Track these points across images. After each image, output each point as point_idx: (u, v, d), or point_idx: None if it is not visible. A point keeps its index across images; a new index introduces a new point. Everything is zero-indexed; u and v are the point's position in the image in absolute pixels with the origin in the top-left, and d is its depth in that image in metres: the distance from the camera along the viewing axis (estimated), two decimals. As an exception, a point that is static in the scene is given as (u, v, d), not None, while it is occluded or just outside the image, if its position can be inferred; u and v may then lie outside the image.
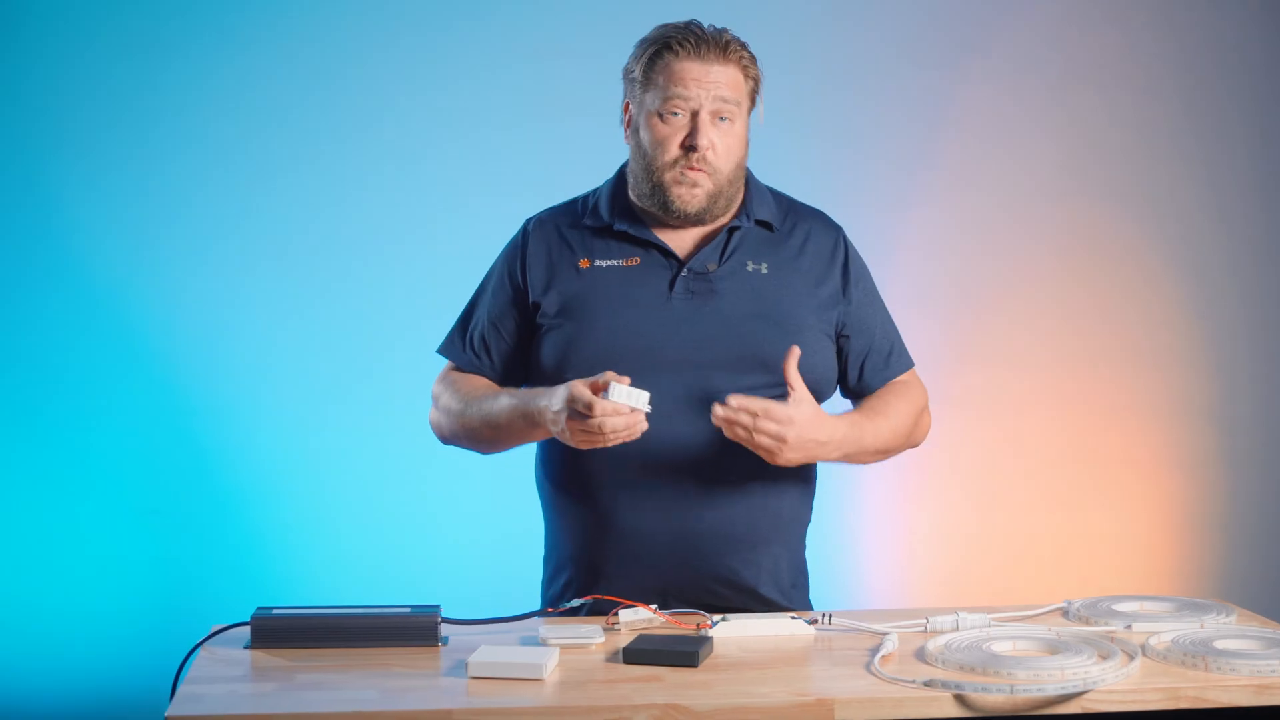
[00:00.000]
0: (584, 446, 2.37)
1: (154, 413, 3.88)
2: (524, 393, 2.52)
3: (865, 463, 2.61)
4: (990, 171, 4.17)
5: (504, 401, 2.52)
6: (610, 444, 2.34)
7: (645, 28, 2.60)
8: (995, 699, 2.01)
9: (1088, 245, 4.22)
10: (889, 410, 2.61)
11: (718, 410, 2.36)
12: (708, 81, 2.50)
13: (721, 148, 2.51)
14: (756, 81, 2.57)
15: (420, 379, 3.50)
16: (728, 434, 2.38)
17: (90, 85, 3.86)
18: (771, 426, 2.37)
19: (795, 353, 2.43)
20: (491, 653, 2.13)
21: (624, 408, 2.32)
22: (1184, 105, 4.23)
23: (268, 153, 3.92)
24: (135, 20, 3.86)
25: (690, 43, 2.50)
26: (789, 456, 2.40)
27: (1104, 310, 4.23)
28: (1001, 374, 4.16)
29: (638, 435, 2.35)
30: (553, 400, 2.39)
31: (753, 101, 2.58)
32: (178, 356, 3.89)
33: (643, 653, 2.16)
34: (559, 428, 2.38)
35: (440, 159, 3.97)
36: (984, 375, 4.15)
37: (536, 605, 2.65)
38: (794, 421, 2.38)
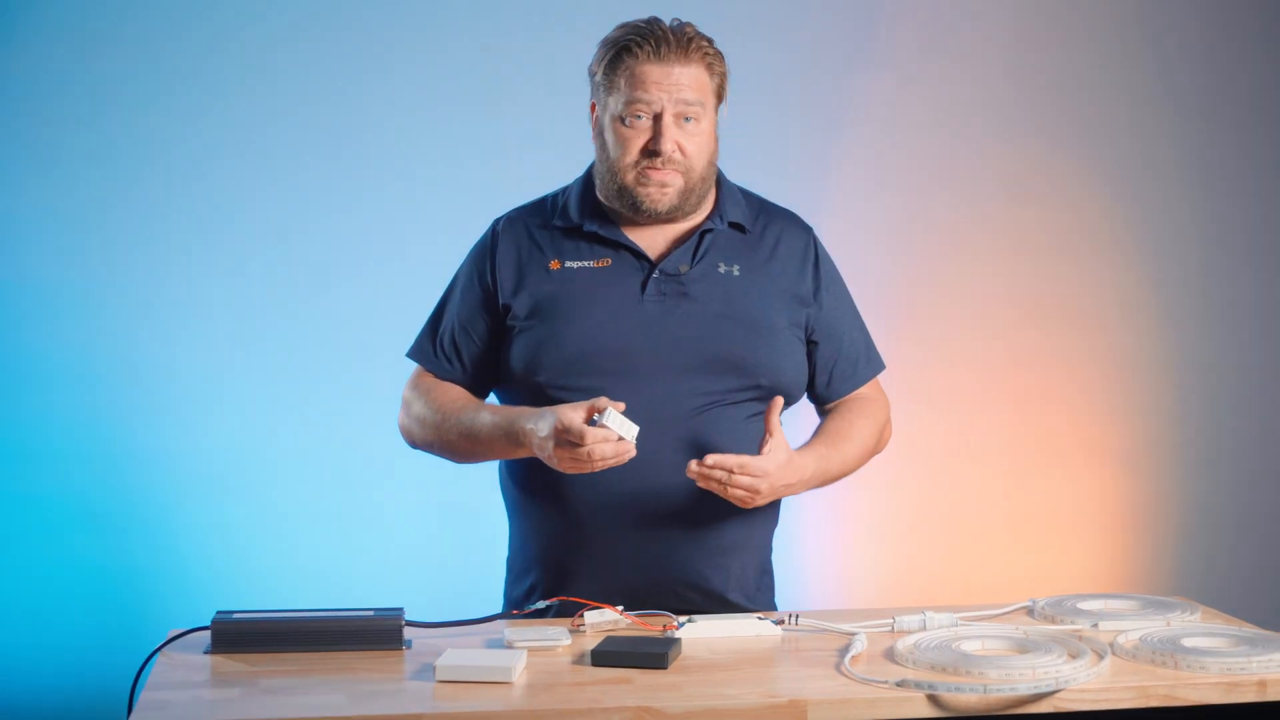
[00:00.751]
0: (570, 471, 2.35)
1: (104, 414, 3.82)
2: (507, 411, 2.48)
3: (854, 468, 2.64)
4: (944, 169, 4.17)
5: (485, 418, 2.49)
6: (596, 470, 2.32)
7: (618, 23, 2.57)
8: (968, 699, 2.00)
9: (1042, 242, 4.23)
10: (853, 433, 2.61)
11: (693, 467, 2.36)
12: (669, 84, 2.47)
13: (690, 148, 2.49)
14: (723, 77, 2.53)
15: (377, 381, 3.50)
16: (701, 485, 2.38)
17: (39, 82, 3.80)
18: (746, 480, 2.37)
19: (778, 403, 2.45)
20: (459, 655, 2.10)
21: (614, 435, 2.30)
22: (1132, 102, 4.25)
23: (233, 157, 3.87)
24: (85, 19, 3.81)
25: (650, 44, 2.46)
26: (760, 503, 2.42)
27: (1058, 307, 4.24)
28: (954, 372, 4.16)
29: (624, 462, 2.33)
30: (539, 425, 2.36)
31: (720, 97, 2.55)
32: (131, 357, 3.83)
33: (611, 654, 2.14)
34: (546, 453, 2.36)
35: (404, 159, 3.93)
36: (938, 373, 4.15)
37: (498, 608, 2.63)
38: (768, 474, 2.39)
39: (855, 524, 4.14)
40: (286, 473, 3.87)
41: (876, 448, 2.68)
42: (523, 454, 2.45)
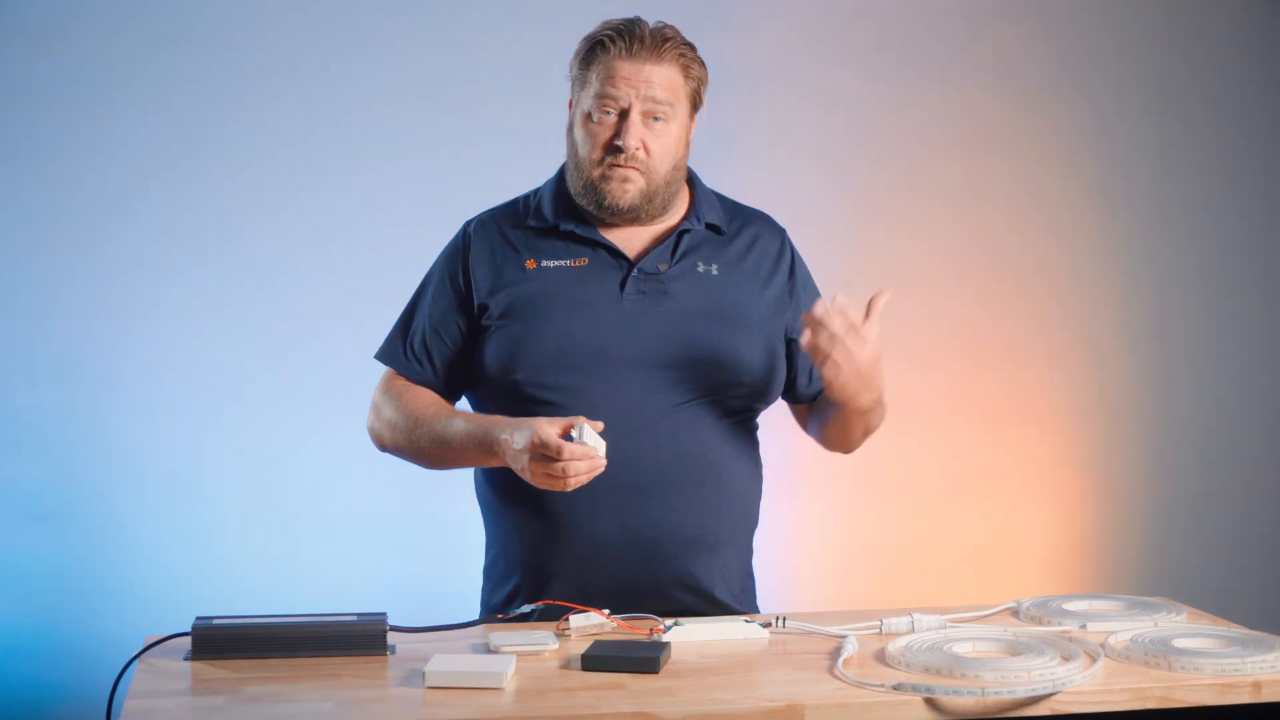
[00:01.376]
0: (542, 486, 2.31)
1: (62, 413, 3.75)
2: (481, 420, 2.43)
3: (861, 430, 2.61)
4: (913, 171, 4.17)
5: (458, 426, 2.45)
6: (569, 488, 2.29)
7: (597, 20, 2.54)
8: (966, 702, 1.99)
9: (1011, 241, 4.24)
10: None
11: (816, 309, 2.34)
12: (638, 81, 2.45)
13: (655, 148, 2.47)
14: (700, 82, 2.51)
15: (347, 383, 3.45)
16: (810, 340, 2.35)
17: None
18: (855, 339, 2.35)
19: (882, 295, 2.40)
20: (447, 661, 2.07)
21: (591, 451, 2.27)
22: (1103, 94, 4.27)
23: (195, 154, 3.82)
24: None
25: (624, 40, 2.45)
26: (864, 356, 2.37)
27: (1027, 310, 4.25)
28: (916, 375, 4.15)
29: (593, 478, 2.30)
30: (515, 437, 2.32)
31: (694, 103, 2.52)
32: (99, 354, 3.77)
33: (602, 659, 2.11)
34: (519, 465, 2.32)
35: (372, 157, 3.88)
36: (900, 375, 4.13)
37: (473, 613, 2.59)
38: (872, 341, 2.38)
39: (812, 527, 4.12)
40: (253, 476, 3.82)
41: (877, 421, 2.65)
42: (495, 464, 2.41)
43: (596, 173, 2.47)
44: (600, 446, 2.29)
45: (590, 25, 2.54)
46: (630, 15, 2.51)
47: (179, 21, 3.80)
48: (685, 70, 2.49)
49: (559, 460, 2.25)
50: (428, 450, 2.49)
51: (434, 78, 3.90)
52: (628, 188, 2.47)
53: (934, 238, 4.19)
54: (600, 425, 2.30)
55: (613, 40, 2.45)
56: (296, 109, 3.86)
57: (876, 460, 3.88)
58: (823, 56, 4.11)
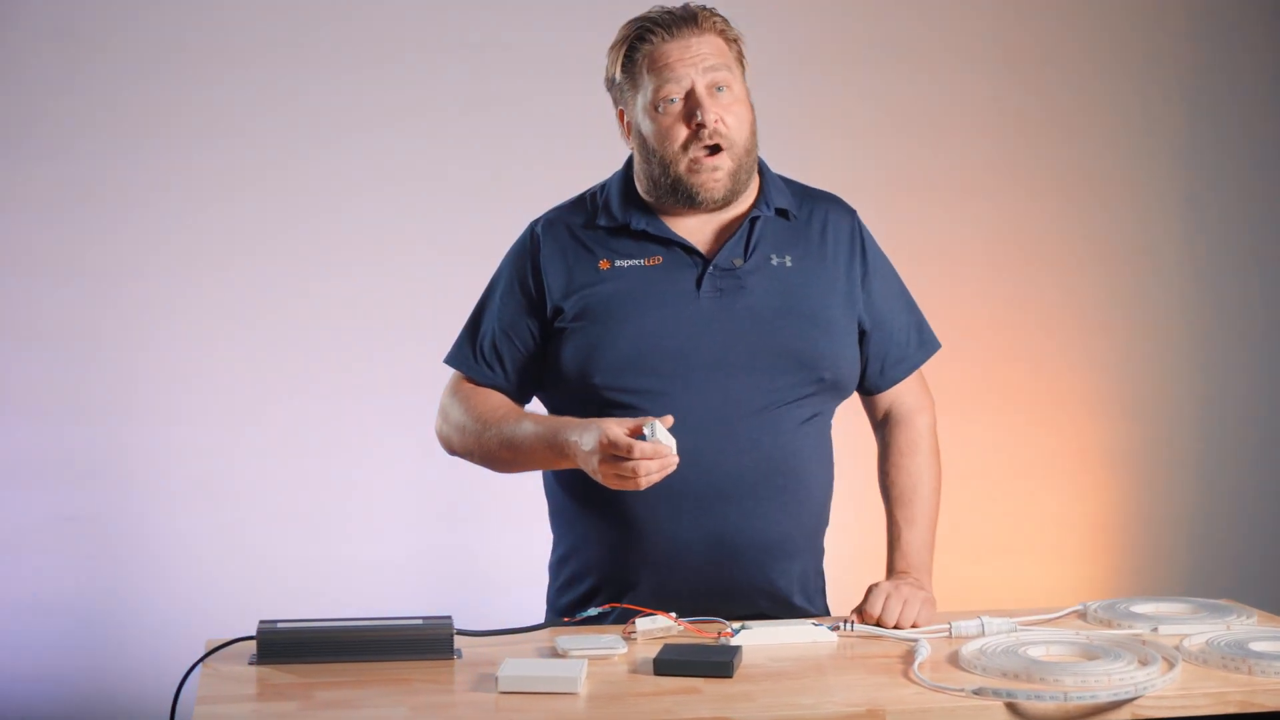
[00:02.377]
0: (614, 487, 2.26)
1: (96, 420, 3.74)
2: (550, 422, 2.39)
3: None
4: (921, 169, 4.14)
5: (527, 428, 2.40)
6: (641, 487, 2.24)
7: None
8: (1048, 707, 1.96)
9: (1029, 247, 4.22)
10: (919, 496, 2.56)
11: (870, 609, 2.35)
12: (691, 57, 2.39)
13: (731, 119, 2.40)
14: (739, 42, 2.47)
15: (398, 387, 3.43)
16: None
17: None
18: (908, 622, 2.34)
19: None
20: (520, 666, 2.04)
21: (663, 449, 2.22)
22: (1110, 102, 4.24)
23: (216, 155, 3.81)
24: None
25: (660, 26, 2.40)
26: (925, 612, 2.37)
27: (1059, 304, 4.23)
28: (939, 376, 4.12)
29: (666, 475, 2.25)
30: (584, 438, 2.28)
31: (742, 65, 2.47)
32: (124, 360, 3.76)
33: (675, 664, 2.08)
34: (590, 467, 2.28)
35: (390, 163, 3.88)
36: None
37: (518, 611, 2.56)
38: (907, 603, 2.36)
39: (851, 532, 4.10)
40: (265, 477, 3.80)
41: (939, 469, 2.62)
42: (565, 465, 2.37)
43: (684, 166, 2.41)
44: (671, 444, 2.24)
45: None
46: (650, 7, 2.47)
47: (210, 23, 3.79)
48: (724, 34, 2.44)
49: (629, 460, 2.22)
50: (497, 453, 2.45)
51: (456, 81, 3.88)
52: (718, 176, 2.41)
53: (954, 242, 4.16)
54: (670, 421, 2.26)
55: (650, 31, 2.41)
56: (310, 121, 3.84)
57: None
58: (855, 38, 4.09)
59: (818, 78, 4.07)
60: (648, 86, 2.41)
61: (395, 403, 3.73)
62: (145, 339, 3.77)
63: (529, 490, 3.36)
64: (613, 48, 2.47)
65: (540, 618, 2.45)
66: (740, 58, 2.47)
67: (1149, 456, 4.29)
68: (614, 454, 2.23)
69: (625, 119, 2.49)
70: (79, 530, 3.73)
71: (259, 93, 3.81)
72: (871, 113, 4.10)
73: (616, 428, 2.24)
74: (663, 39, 2.40)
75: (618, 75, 2.46)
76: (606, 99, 2.54)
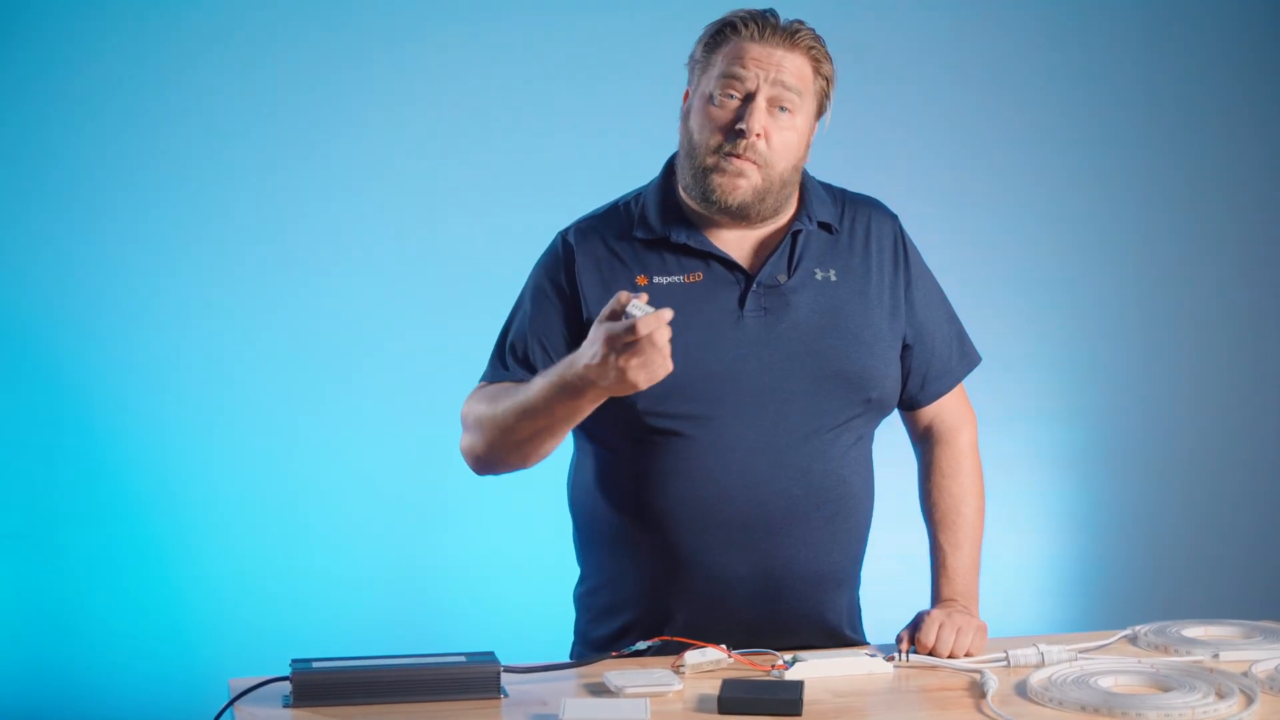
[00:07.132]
0: (643, 378, 2.05)
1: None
2: (551, 370, 2.19)
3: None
4: (918, 172, 4.08)
5: (536, 384, 2.20)
6: (669, 362, 2.05)
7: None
8: (1139, 744, 1.89)
9: (1014, 247, 4.17)
10: (963, 518, 2.48)
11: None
12: (768, 63, 2.27)
13: (777, 140, 2.28)
14: (828, 81, 2.34)
15: (373, 401, 3.30)
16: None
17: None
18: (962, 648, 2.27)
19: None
20: (581, 708, 1.93)
21: (660, 314, 2.02)
22: (1112, 101, 4.21)
23: (221, 157, 3.68)
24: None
25: (756, 24, 2.29)
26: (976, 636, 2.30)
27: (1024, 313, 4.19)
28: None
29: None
30: (584, 354, 2.09)
31: (820, 104, 2.36)
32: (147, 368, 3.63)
33: (740, 701, 1.99)
34: (608, 380, 2.07)
35: (393, 164, 3.75)
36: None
37: (520, 627, 2.45)
38: (958, 630, 2.29)
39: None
40: (245, 480, 3.68)
41: (981, 487, 2.53)
42: (586, 405, 2.17)
43: (710, 161, 2.28)
44: (652, 310, 2.04)
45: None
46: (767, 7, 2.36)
47: (213, 21, 3.66)
48: (816, 65, 2.32)
49: (638, 338, 2.02)
50: (515, 428, 2.24)
51: (460, 81, 3.76)
52: (740, 183, 2.28)
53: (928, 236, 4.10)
54: (645, 297, 2.06)
55: (745, 23, 2.29)
56: (308, 116, 3.71)
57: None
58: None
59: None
60: (715, 73, 2.30)
61: (395, 405, 3.63)
62: (129, 342, 3.64)
63: (527, 498, 3.26)
64: (708, 26, 2.35)
65: (538, 636, 2.35)
66: (822, 94, 2.35)
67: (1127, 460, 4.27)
68: (623, 343, 2.03)
69: (687, 100, 2.37)
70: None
71: (259, 92, 3.68)
72: (863, 117, 4.03)
73: (606, 323, 2.05)
74: (752, 35, 2.29)
75: (699, 53, 2.34)
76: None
